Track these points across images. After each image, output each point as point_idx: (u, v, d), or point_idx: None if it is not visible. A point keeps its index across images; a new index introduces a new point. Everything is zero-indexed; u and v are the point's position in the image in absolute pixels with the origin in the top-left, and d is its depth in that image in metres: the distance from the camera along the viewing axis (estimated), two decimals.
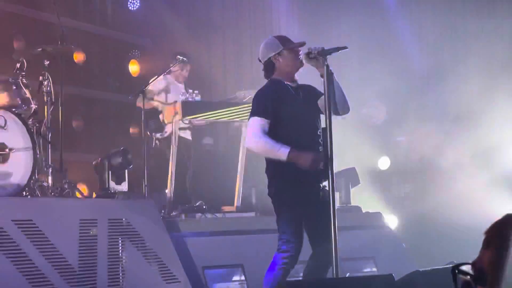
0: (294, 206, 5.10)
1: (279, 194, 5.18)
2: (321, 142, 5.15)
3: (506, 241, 1.55)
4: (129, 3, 10.58)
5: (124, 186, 7.20)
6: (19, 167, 6.25)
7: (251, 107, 5.30)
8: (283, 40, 5.29)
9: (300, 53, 5.24)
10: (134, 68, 10.49)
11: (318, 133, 5.19)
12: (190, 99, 7.81)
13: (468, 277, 1.64)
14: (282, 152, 5.02)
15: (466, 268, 1.67)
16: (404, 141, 10.80)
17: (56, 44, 7.31)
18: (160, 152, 8.27)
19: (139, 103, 7.91)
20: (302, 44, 5.30)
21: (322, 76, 5.14)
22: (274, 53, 5.25)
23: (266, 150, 5.09)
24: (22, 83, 6.71)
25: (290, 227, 5.09)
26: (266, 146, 5.07)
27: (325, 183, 5.16)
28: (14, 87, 6.66)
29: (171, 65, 8.28)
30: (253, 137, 5.09)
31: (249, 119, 5.19)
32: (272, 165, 5.21)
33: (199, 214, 7.50)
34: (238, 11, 11.21)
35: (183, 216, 7.41)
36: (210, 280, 6.69)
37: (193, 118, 7.80)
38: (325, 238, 4.95)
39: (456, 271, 1.68)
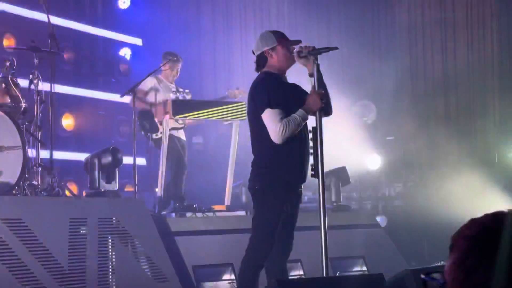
0: (277, 208, 5.07)
1: (264, 192, 5.11)
2: (311, 141, 5.15)
3: (469, 245, 1.55)
4: (119, 1, 10.56)
5: (114, 185, 7.18)
6: (8, 166, 6.22)
7: (248, 103, 5.29)
8: (279, 36, 5.29)
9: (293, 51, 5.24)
10: (124, 67, 10.47)
11: (308, 131, 5.19)
12: (180, 98, 7.81)
13: (435, 282, 1.64)
14: (301, 118, 5.06)
15: (436, 275, 1.67)
16: (394, 140, 10.82)
17: (46, 42, 7.29)
18: (155, 152, 8.26)
19: (131, 102, 7.91)
20: (298, 42, 5.30)
21: (311, 75, 5.16)
22: (268, 48, 5.25)
23: (294, 129, 5.05)
24: (12, 81, 6.68)
25: (267, 228, 5.07)
26: (291, 126, 5.03)
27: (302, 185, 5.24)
28: (4, 85, 6.63)
29: (161, 64, 8.29)
30: (276, 130, 5.03)
31: (256, 114, 5.14)
32: (262, 159, 5.17)
33: (189, 213, 7.49)
34: (228, 9, 11.20)
35: (173, 214, 7.40)
36: (200, 279, 6.69)
37: (183, 117, 7.79)
38: (291, 235, 5.19)
39: (424, 277, 1.68)
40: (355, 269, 7.67)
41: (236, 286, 6.71)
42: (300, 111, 5.09)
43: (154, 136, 8.13)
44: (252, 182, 5.20)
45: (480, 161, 10.38)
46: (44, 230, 5.77)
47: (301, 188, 5.25)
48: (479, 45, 10.64)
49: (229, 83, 9.79)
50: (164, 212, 7.54)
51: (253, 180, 5.19)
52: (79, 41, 9.87)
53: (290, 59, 5.24)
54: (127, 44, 10.56)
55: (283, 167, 5.10)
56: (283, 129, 5.02)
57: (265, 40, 5.28)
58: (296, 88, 5.33)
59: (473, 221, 1.59)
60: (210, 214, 7.60)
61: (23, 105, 6.70)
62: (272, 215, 5.07)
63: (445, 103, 10.83)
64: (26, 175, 6.53)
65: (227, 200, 8.05)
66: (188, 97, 7.97)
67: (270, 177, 5.12)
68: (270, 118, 5.06)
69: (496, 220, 1.55)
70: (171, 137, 8.00)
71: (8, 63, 6.78)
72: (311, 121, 5.21)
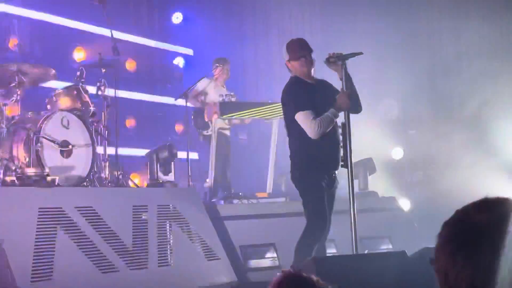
0: (317, 189, 5.11)
1: (303, 179, 5.17)
2: (340, 136, 5.16)
3: (448, 232, 1.56)
4: (173, 17, 10.65)
5: (171, 176, 7.25)
6: (80, 161, 6.33)
7: (282, 105, 5.32)
8: (291, 49, 5.29)
9: (313, 58, 5.26)
10: (178, 74, 10.55)
11: (338, 126, 5.20)
12: (226, 100, 7.86)
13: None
14: (333, 115, 5.09)
15: None
16: (416, 133, 10.73)
17: (111, 54, 7.38)
18: (205, 148, 8.32)
19: (188, 103, 8.01)
20: (308, 52, 5.26)
21: (341, 79, 5.17)
22: (286, 60, 5.30)
23: (327, 125, 5.09)
24: (82, 88, 6.79)
25: (316, 206, 5.10)
26: (324, 124, 5.07)
27: (337, 172, 5.22)
28: (76, 92, 6.75)
29: (213, 69, 8.37)
30: (312, 128, 5.07)
31: (289, 115, 5.16)
32: (297, 153, 5.22)
33: (236, 200, 7.53)
34: (267, 19, 11.20)
35: (222, 202, 7.45)
36: (246, 257, 6.72)
37: (229, 116, 7.83)
38: (329, 219, 5.18)
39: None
40: (382, 247, 7.64)
41: (278, 263, 6.74)
42: (332, 110, 5.11)
43: (204, 132, 8.19)
44: (292, 173, 5.25)
45: (498, 151, 10.20)
46: (112, 216, 5.85)
47: (335, 174, 5.26)
48: (502, 41, 10.40)
49: (269, 87, 9.80)
50: (214, 200, 7.59)
51: (293, 170, 5.25)
52: (138, 52, 9.97)
53: (304, 69, 5.24)
54: (180, 54, 10.65)
55: (315, 157, 5.13)
56: (317, 127, 5.06)
57: (284, 52, 5.33)
58: (323, 85, 5.33)
59: (456, 212, 1.59)
60: (254, 201, 7.63)
61: (92, 109, 6.80)
62: (317, 192, 5.10)
63: (464, 97, 10.64)
64: (95, 169, 6.63)
65: (269, 188, 8.07)
66: (233, 99, 8.01)
67: (306, 165, 5.16)
68: (303, 120, 5.10)
69: (478, 210, 1.53)
70: (220, 134, 8.05)
71: (78, 73, 6.90)
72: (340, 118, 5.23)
